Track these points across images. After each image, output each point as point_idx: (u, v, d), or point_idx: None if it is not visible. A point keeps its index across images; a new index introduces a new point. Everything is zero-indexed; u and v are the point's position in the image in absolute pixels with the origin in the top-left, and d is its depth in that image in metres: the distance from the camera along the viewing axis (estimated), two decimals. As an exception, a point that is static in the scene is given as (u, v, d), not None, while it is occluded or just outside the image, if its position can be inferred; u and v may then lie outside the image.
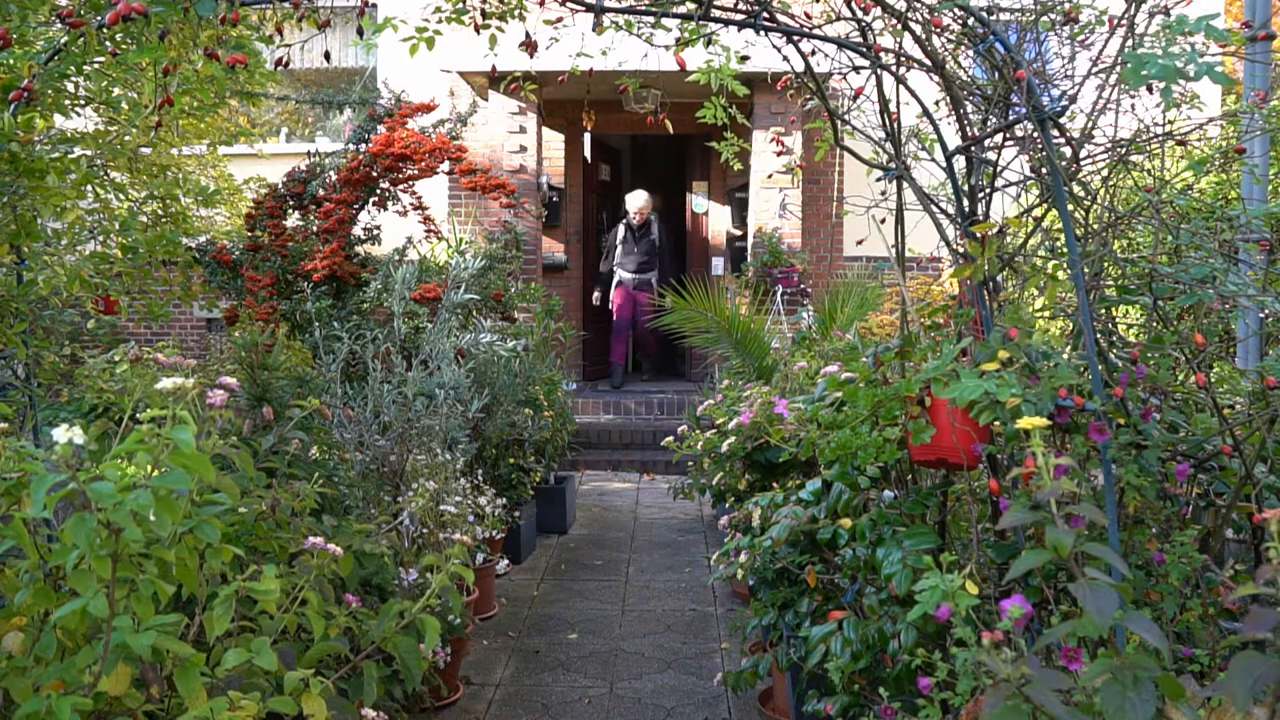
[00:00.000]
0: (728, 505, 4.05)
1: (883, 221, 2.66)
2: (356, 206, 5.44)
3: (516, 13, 2.79)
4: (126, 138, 4.36)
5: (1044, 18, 2.33)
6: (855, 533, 2.46)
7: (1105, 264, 2.44)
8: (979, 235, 2.14)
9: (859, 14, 2.41)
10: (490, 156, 8.56)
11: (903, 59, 2.41)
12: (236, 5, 2.30)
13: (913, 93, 2.41)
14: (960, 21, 2.29)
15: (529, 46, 2.68)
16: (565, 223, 9.96)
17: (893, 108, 2.46)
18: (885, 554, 2.23)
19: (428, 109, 5.57)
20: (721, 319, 5.41)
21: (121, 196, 4.62)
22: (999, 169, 2.32)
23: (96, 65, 3.66)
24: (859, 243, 4.15)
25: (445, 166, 5.46)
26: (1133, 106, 2.37)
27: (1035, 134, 2.08)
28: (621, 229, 9.32)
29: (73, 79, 3.71)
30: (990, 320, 2.17)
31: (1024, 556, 1.49)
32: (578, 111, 7.45)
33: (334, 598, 2.26)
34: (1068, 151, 2.22)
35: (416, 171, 5.38)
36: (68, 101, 3.84)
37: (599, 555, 5.71)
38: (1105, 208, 2.43)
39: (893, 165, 2.44)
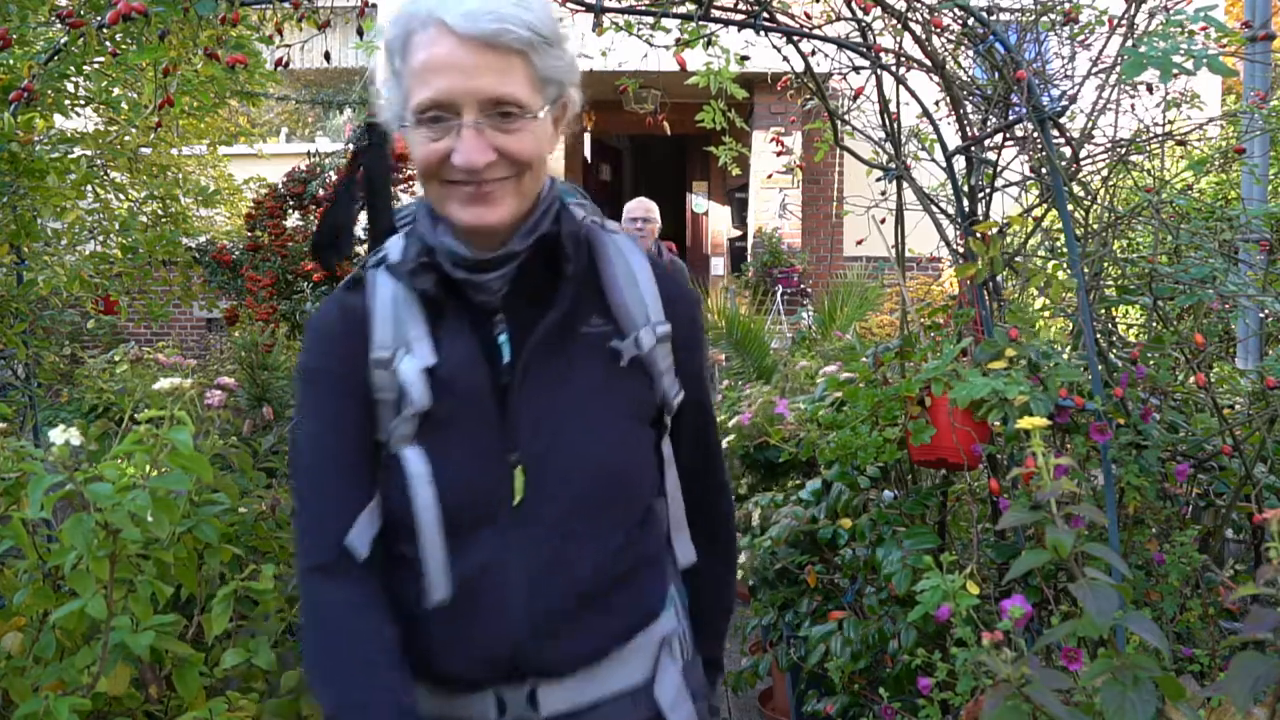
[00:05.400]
0: (728, 505, 4.04)
1: (883, 221, 2.65)
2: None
3: (516, 13, 2.78)
4: (126, 138, 4.36)
5: (1044, 18, 2.33)
6: (855, 533, 2.46)
7: (1105, 264, 2.44)
8: (980, 235, 2.14)
9: (859, 14, 2.41)
10: (490, 157, 8.55)
11: (903, 59, 2.41)
12: (236, 5, 2.30)
13: (913, 93, 2.40)
14: (960, 21, 2.29)
15: (529, 46, 2.68)
16: (565, 223, 9.95)
17: (893, 108, 2.46)
18: (885, 554, 2.23)
19: (428, 109, 5.56)
20: (721, 319, 5.40)
21: (121, 196, 4.63)
22: (999, 169, 2.32)
23: (96, 65, 3.66)
24: (859, 243, 4.14)
25: (445, 166, 5.45)
26: (1133, 107, 2.36)
27: (1035, 134, 2.08)
28: None
29: (73, 79, 3.71)
30: (991, 320, 2.17)
31: (1024, 556, 1.48)
32: (578, 112, 7.44)
33: (333, 598, 2.26)
34: (1068, 151, 2.22)
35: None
36: (68, 101, 3.84)
37: (599, 555, 5.69)
38: (1105, 208, 2.43)
39: (893, 165, 2.43)
